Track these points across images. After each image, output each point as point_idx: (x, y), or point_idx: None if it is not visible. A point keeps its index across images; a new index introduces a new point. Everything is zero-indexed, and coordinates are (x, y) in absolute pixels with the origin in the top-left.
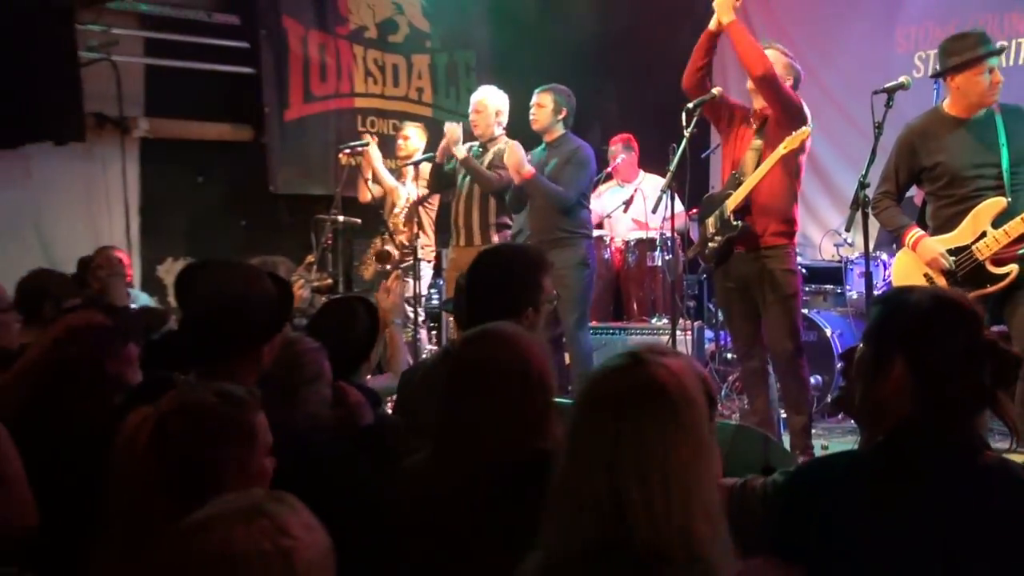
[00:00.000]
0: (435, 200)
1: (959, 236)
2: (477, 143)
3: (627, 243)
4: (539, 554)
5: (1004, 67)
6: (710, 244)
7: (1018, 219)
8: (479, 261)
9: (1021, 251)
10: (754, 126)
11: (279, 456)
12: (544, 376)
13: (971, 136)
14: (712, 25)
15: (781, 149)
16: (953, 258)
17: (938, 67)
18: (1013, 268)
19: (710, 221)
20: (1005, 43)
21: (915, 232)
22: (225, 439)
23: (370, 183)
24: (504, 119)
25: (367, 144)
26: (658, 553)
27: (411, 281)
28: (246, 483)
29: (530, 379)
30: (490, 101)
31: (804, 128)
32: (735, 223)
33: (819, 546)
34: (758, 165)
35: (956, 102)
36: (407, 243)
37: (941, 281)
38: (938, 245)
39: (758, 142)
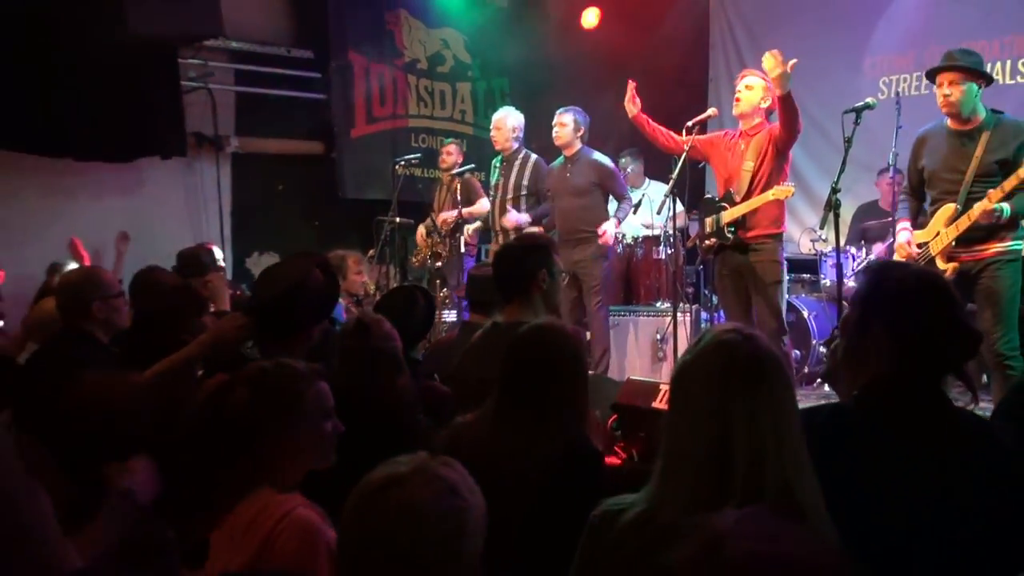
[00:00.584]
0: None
1: (926, 232)
2: (500, 156)
3: (636, 239)
4: (634, 508)
5: None
6: (706, 242)
7: (952, 226)
8: (502, 244)
9: (998, 247)
10: (742, 146)
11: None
12: (585, 367)
13: (952, 145)
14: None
15: (769, 195)
16: (920, 250)
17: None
18: (950, 266)
19: (708, 221)
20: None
21: (899, 225)
22: (268, 405)
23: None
24: (520, 135)
25: (419, 156)
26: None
27: (455, 271)
28: (294, 444)
29: (579, 370)
30: (507, 120)
31: (790, 186)
32: (728, 234)
33: None
34: (751, 183)
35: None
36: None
37: None
38: (903, 237)
39: (750, 163)
